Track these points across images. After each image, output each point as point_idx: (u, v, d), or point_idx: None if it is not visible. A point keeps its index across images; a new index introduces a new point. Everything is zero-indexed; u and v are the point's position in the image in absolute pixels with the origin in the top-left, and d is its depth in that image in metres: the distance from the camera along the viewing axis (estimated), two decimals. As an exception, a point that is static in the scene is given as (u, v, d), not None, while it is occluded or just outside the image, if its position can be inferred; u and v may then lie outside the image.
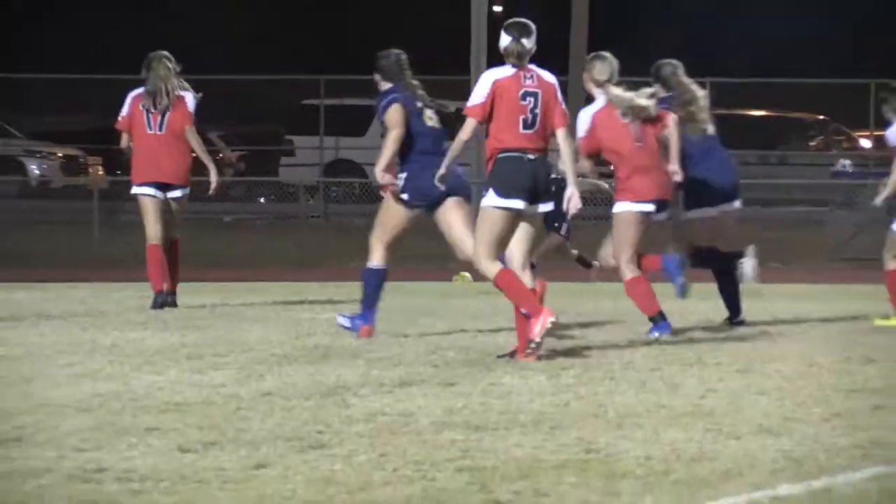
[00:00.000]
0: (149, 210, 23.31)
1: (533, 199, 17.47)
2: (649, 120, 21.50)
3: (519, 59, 17.61)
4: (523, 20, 18.12)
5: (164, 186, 23.38)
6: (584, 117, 20.69)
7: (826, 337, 19.25)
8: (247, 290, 23.91)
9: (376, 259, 19.66)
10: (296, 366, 16.76)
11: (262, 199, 50.23)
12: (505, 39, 17.77)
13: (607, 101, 19.57)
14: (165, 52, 23.42)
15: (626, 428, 12.96)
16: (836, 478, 10.93)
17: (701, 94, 21.22)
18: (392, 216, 19.79)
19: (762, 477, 10.92)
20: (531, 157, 17.37)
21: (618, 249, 19.97)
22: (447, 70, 43.12)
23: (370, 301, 20.39)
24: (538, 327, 17.21)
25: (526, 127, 17.34)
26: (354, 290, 26.55)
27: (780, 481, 10.73)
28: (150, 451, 11.87)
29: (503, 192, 17.42)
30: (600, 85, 19.53)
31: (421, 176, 19.55)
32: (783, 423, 13.15)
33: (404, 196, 19.84)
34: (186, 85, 23.45)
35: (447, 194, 19.79)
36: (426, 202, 20.06)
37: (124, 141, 23.26)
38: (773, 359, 17.19)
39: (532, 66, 17.97)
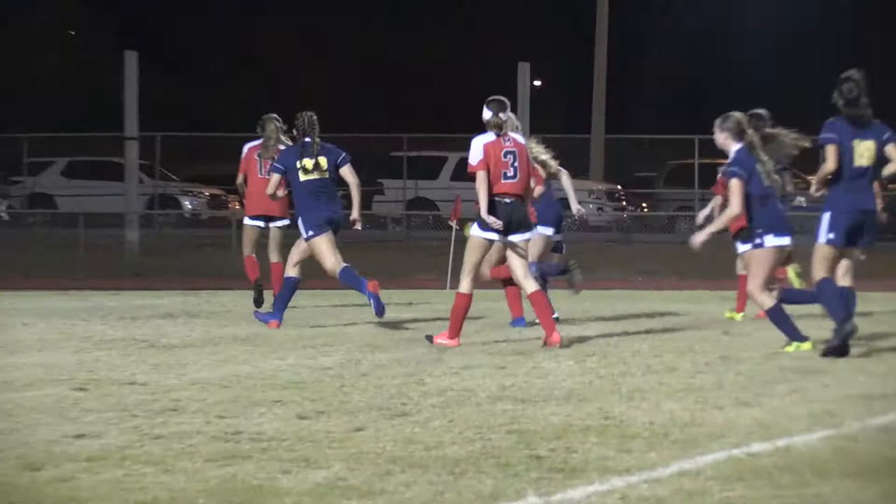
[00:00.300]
0: (249, 236, 22.85)
1: (506, 232, 17.27)
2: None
3: (499, 128, 17.39)
4: (501, 98, 17.76)
5: (269, 218, 22.92)
6: None
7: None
8: (347, 295, 23.75)
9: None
10: (385, 353, 16.58)
11: (358, 227, 50.29)
12: (487, 113, 17.51)
13: None
14: (275, 115, 22.89)
15: (635, 401, 12.92)
16: (795, 439, 10.86)
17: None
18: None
19: (739, 438, 10.85)
20: (507, 200, 17.18)
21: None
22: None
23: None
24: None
25: (507, 178, 17.16)
26: (428, 295, 26.44)
27: (752, 441, 10.65)
28: (275, 418, 11.94)
29: (483, 227, 17.24)
30: None
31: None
32: (755, 398, 13.06)
33: None
34: (289, 141, 23.45)
35: None
36: None
37: (240, 178, 22.89)
38: (747, 349, 16.92)
39: (510, 133, 17.72)
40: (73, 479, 9.34)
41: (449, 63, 73.26)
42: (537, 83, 44.93)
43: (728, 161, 16.97)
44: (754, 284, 17.09)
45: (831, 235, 15.88)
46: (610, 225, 52.46)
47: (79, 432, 11.10)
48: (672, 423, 11.74)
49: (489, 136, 17.53)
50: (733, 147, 16.76)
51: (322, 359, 16.09)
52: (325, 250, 19.68)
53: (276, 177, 20.02)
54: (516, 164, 17.51)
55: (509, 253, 17.97)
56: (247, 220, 23.46)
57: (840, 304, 16.11)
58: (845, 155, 15.78)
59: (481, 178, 17.41)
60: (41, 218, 50.93)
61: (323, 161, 20.14)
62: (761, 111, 18.89)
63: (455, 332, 17.67)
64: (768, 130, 18.21)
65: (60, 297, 26.25)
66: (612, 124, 59.40)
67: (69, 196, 51.53)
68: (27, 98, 64.85)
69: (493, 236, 17.58)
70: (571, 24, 65.31)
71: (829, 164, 15.86)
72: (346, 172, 20.82)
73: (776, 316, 17.06)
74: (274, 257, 23.10)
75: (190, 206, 51.76)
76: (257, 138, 23.01)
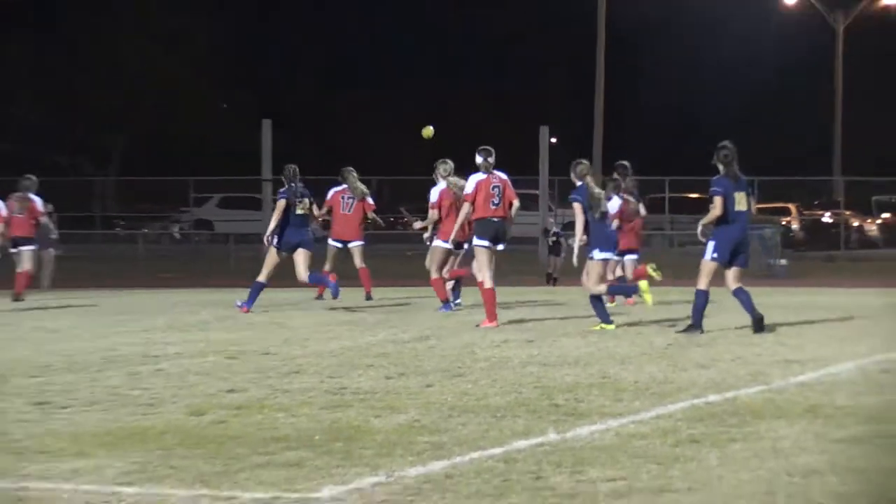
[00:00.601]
0: (331, 254, 22.61)
1: (495, 242, 17.59)
2: None
3: (487, 169, 17.83)
4: (488, 147, 17.92)
5: (347, 241, 22.62)
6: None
7: (729, 317, 17.50)
8: (419, 292, 23.56)
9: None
10: (449, 332, 16.34)
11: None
12: (479, 158, 17.95)
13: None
14: (350, 167, 22.74)
15: (625, 364, 12.89)
16: (740, 391, 10.85)
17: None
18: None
19: (699, 391, 10.73)
20: (495, 219, 17.60)
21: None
22: (525, 173, 41.62)
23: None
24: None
25: (494, 205, 17.60)
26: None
27: (708, 394, 10.53)
28: (369, 378, 11.90)
29: (482, 237, 17.61)
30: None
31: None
32: (710, 362, 12.96)
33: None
34: (366, 190, 23.69)
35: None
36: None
37: (324, 210, 22.29)
38: (707, 327, 15.87)
39: (495, 171, 18.06)
40: (225, 421, 9.49)
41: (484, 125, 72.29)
42: (553, 140, 44.41)
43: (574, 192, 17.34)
44: (589, 281, 17.04)
45: (715, 255, 15.85)
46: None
47: (230, 388, 11.23)
48: (651, 380, 11.67)
49: (481, 175, 17.97)
50: (578, 183, 17.00)
51: (402, 335, 16.01)
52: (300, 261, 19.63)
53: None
54: (501, 194, 17.93)
55: (487, 256, 17.87)
56: (330, 241, 23.15)
57: (702, 308, 15.88)
58: (729, 202, 15.87)
59: (466, 206, 17.97)
60: (203, 237, 51.57)
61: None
62: (625, 162, 20.70)
63: (492, 317, 17.58)
64: (628, 178, 20.35)
65: (217, 293, 25.81)
66: (608, 167, 57.56)
67: (223, 221, 52.05)
68: (190, 150, 65.16)
69: (488, 244, 17.62)
70: (577, 85, 64.71)
71: (717, 209, 15.85)
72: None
73: (594, 302, 17.00)
74: (359, 264, 22.89)
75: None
76: (340, 184, 22.90)
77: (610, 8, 48.74)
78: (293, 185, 20.42)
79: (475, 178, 18.12)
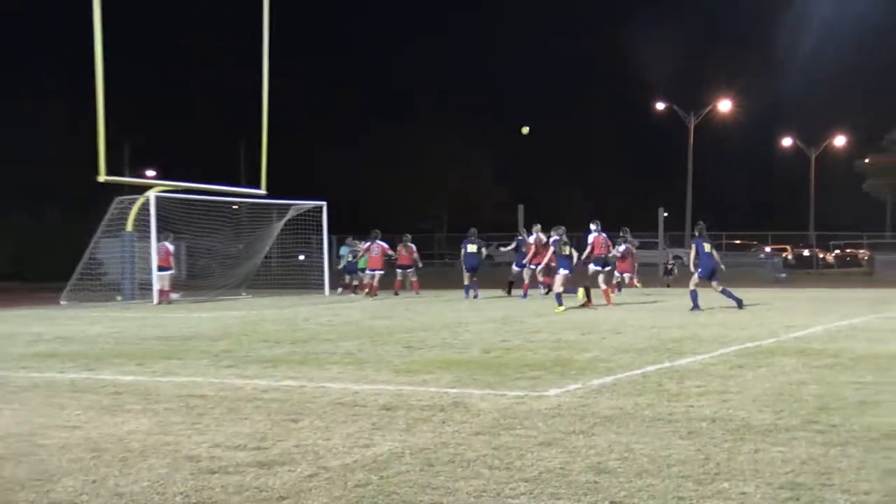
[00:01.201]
0: (399, 274, 28.83)
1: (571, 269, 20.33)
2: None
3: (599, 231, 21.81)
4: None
5: (407, 267, 29.43)
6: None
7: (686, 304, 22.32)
8: (490, 295, 28.12)
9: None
10: (508, 320, 19.21)
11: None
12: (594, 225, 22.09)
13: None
14: (408, 236, 29.62)
15: (704, 327, 16.80)
16: (763, 342, 14.60)
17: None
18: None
19: (741, 341, 14.69)
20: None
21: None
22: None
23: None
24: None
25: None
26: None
27: (745, 343, 14.46)
28: (573, 334, 15.28)
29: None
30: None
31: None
32: (744, 327, 16.54)
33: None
34: (410, 241, 30.58)
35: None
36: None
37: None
38: (664, 310, 20.72)
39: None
40: (500, 356, 12.60)
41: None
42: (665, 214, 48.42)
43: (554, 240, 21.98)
44: (556, 284, 21.86)
45: (700, 271, 21.22)
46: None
47: (503, 339, 15.03)
48: (716, 335, 15.22)
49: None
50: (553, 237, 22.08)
51: (479, 326, 18.35)
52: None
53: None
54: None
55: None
56: (399, 270, 29.37)
57: (695, 299, 21.93)
58: (702, 250, 21.54)
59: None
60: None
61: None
62: (559, 230, 23.43)
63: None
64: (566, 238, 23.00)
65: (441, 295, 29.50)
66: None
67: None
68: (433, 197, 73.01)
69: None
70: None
71: (694, 255, 21.86)
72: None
73: (558, 295, 21.60)
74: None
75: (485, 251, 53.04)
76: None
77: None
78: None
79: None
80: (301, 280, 35.40)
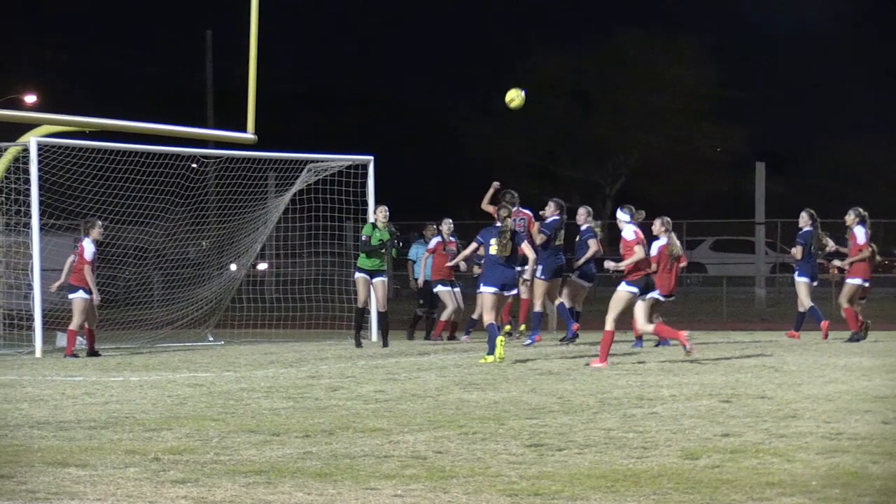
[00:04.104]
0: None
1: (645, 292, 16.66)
2: None
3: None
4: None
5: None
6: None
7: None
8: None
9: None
10: (735, 393, 13.57)
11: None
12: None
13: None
14: None
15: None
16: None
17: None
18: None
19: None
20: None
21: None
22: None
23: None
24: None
25: None
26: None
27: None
28: (865, 423, 10.99)
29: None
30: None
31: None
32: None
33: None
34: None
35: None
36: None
37: None
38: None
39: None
40: (719, 466, 8.77)
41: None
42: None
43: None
44: (484, 312, 17.66)
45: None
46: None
47: (724, 432, 10.37)
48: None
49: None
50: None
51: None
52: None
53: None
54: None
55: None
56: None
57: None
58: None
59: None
60: (695, 279, 50.51)
61: None
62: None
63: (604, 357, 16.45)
64: None
65: (709, 336, 23.52)
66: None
67: (716, 264, 51.68)
68: (677, 191, 62.45)
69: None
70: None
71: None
72: None
73: (490, 329, 17.38)
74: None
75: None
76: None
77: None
78: None
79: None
80: (323, 309, 23.87)
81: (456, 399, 13.00)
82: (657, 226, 19.11)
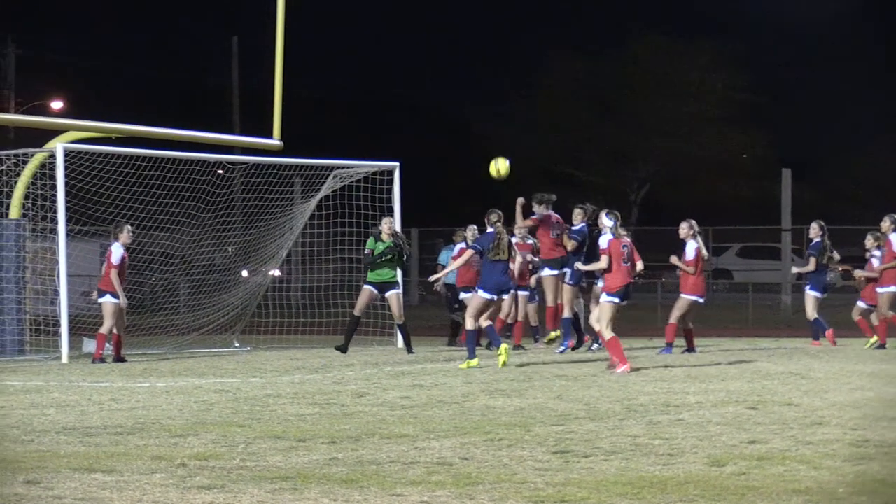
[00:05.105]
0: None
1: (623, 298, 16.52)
2: None
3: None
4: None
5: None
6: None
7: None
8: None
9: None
10: (762, 399, 13.72)
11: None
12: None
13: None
14: None
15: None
16: None
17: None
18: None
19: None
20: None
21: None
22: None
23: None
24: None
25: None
26: None
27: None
28: (893, 430, 10.94)
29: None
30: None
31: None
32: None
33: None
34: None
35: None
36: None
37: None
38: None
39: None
40: (746, 473, 8.71)
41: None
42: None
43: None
44: (469, 314, 17.48)
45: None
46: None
47: (751, 439, 10.31)
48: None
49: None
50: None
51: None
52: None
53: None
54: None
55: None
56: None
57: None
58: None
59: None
60: (721, 286, 50.20)
61: None
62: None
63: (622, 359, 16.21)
64: None
65: (735, 342, 23.93)
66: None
67: (741, 270, 51.29)
68: (705, 198, 60.68)
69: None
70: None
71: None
72: None
73: (470, 334, 17.50)
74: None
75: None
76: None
77: None
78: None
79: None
80: (348, 315, 21.90)
81: (482, 405, 12.99)
82: (684, 229, 18.98)
